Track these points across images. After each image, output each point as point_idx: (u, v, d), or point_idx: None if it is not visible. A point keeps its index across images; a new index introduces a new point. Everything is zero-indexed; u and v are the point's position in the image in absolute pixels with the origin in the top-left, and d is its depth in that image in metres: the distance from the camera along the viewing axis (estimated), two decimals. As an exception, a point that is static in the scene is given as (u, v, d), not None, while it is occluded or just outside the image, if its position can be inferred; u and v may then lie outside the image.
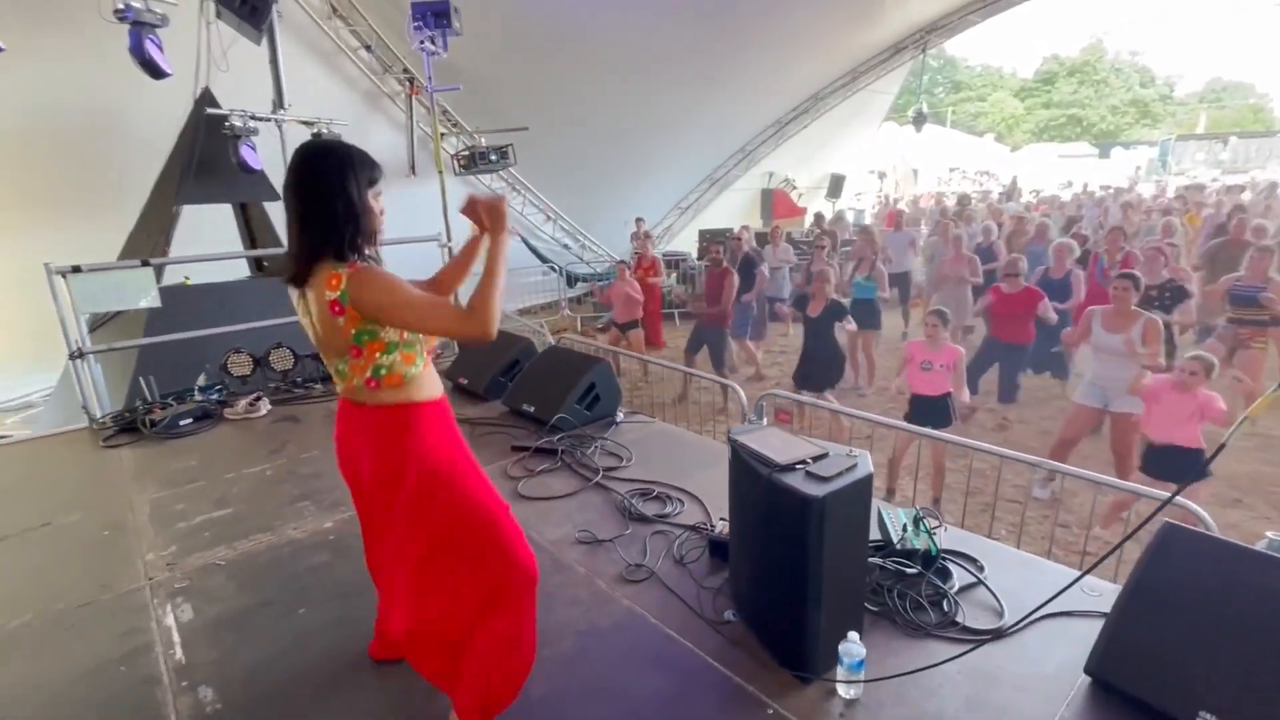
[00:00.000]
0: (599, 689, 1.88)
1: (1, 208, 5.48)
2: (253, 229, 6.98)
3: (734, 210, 15.21)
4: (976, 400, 5.98)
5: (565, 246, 12.23)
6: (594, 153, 11.12)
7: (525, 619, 1.73)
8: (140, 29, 4.54)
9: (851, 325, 5.56)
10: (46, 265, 3.83)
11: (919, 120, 13.95)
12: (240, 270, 6.99)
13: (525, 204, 11.40)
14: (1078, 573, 2.22)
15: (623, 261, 8.47)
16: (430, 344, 1.71)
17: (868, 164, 23.35)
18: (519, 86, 9.36)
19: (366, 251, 1.56)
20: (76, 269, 3.94)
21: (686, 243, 14.02)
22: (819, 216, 13.32)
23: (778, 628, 1.95)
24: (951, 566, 2.30)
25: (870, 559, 2.32)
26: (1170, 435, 3.55)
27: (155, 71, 4.69)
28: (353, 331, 1.52)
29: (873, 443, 4.32)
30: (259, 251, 6.66)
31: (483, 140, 9.32)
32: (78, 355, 4.06)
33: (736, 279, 6.61)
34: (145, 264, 4.27)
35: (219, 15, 5.46)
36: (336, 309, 1.49)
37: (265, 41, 6.14)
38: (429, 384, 1.66)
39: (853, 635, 1.78)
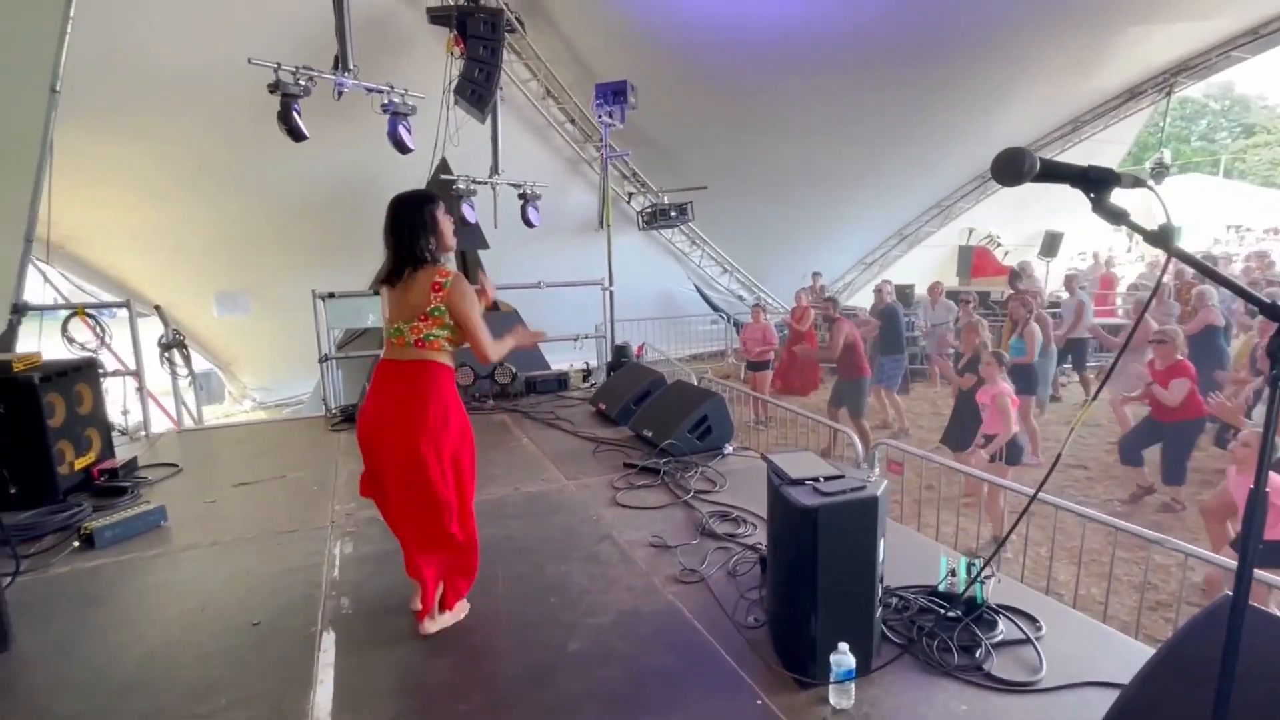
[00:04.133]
0: (619, 655, 2.18)
1: (293, 250, 7.36)
2: (467, 270, 8.45)
3: (926, 267, 14.50)
4: (1146, 475, 5.47)
5: (739, 298, 12.65)
6: (772, 208, 11.50)
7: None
8: (397, 118, 5.96)
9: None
10: (313, 291, 5.17)
11: (1159, 172, 12.31)
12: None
13: (703, 257, 12.08)
14: (1149, 650, 2.07)
15: (757, 303, 8.76)
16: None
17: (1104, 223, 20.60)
18: (701, 148, 10.15)
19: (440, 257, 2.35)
20: (331, 295, 5.25)
21: (865, 299, 13.69)
22: (1014, 273, 12.27)
23: (785, 632, 2.10)
24: (1001, 620, 2.23)
25: (908, 593, 2.35)
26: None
27: (403, 148, 6.10)
28: (430, 306, 2.24)
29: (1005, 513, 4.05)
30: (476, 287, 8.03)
31: (665, 198, 10.22)
32: (324, 360, 5.34)
33: (851, 329, 6.63)
34: (375, 292, 5.51)
35: (455, 103, 6.89)
36: (438, 290, 2.24)
37: (489, 121, 7.55)
38: (450, 360, 2.36)
39: (843, 646, 1.88)
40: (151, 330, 5.57)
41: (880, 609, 2.08)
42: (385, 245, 2.31)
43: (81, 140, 6.44)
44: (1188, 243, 22.27)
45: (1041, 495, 3.32)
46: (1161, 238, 0.91)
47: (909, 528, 3.67)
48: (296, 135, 5.37)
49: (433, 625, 2.33)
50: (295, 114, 5.30)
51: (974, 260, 15.12)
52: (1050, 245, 15.64)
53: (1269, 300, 0.91)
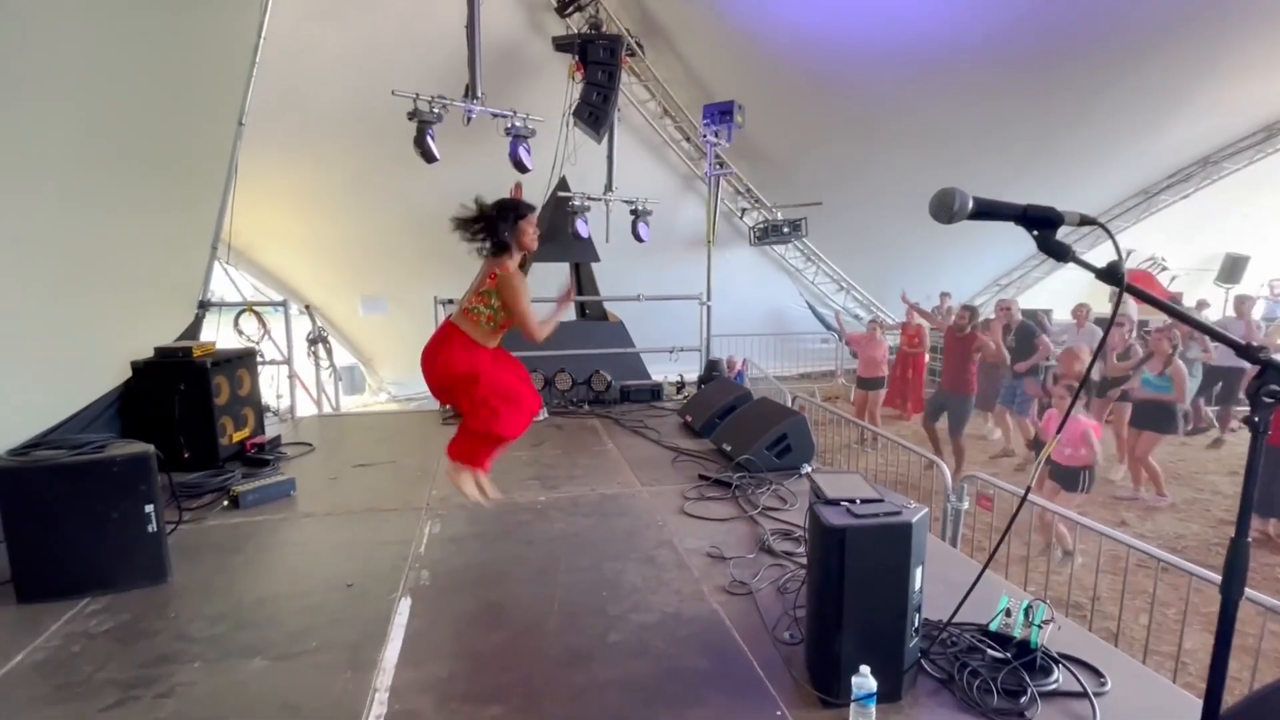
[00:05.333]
0: (654, 651, 2.29)
1: (425, 259, 8.10)
2: (581, 283, 8.88)
3: (1070, 291, 13.19)
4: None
5: (856, 317, 12.22)
6: (892, 224, 11.03)
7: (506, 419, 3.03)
8: (517, 140, 6.47)
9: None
10: (434, 296, 5.72)
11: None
12: (569, 314, 8.92)
13: (818, 273, 11.82)
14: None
15: (874, 319, 8.44)
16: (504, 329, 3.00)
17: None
18: (819, 162, 9.99)
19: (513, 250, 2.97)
20: (450, 300, 5.77)
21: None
22: (1175, 303, 10.90)
23: (815, 650, 2.11)
24: (1059, 669, 2.09)
25: (957, 628, 2.27)
26: None
27: (521, 168, 6.59)
28: (484, 288, 2.90)
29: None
30: (582, 298, 8.43)
31: (779, 214, 10.15)
32: (441, 359, 5.88)
33: (987, 342, 6.25)
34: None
35: (574, 125, 7.33)
36: (493, 278, 2.88)
37: (605, 141, 7.94)
38: (479, 334, 2.92)
39: (864, 669, 1.87)
40: (304, 327, 6.41)
41: (917, 638, 2.04)
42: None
43: (263, 164, 7.55)
44: None
45: (1166, 557, 3.03)
46: (1111, 274, 0.91)
47: (997, 574, 3.46)
48: (429, 157, 6.00)
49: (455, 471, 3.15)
50: (429, 139, 5.92)
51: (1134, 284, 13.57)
52: (1231, 270, 13.73)
53: (1244, 342, 0.88)
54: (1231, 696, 2.99)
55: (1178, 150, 11.40)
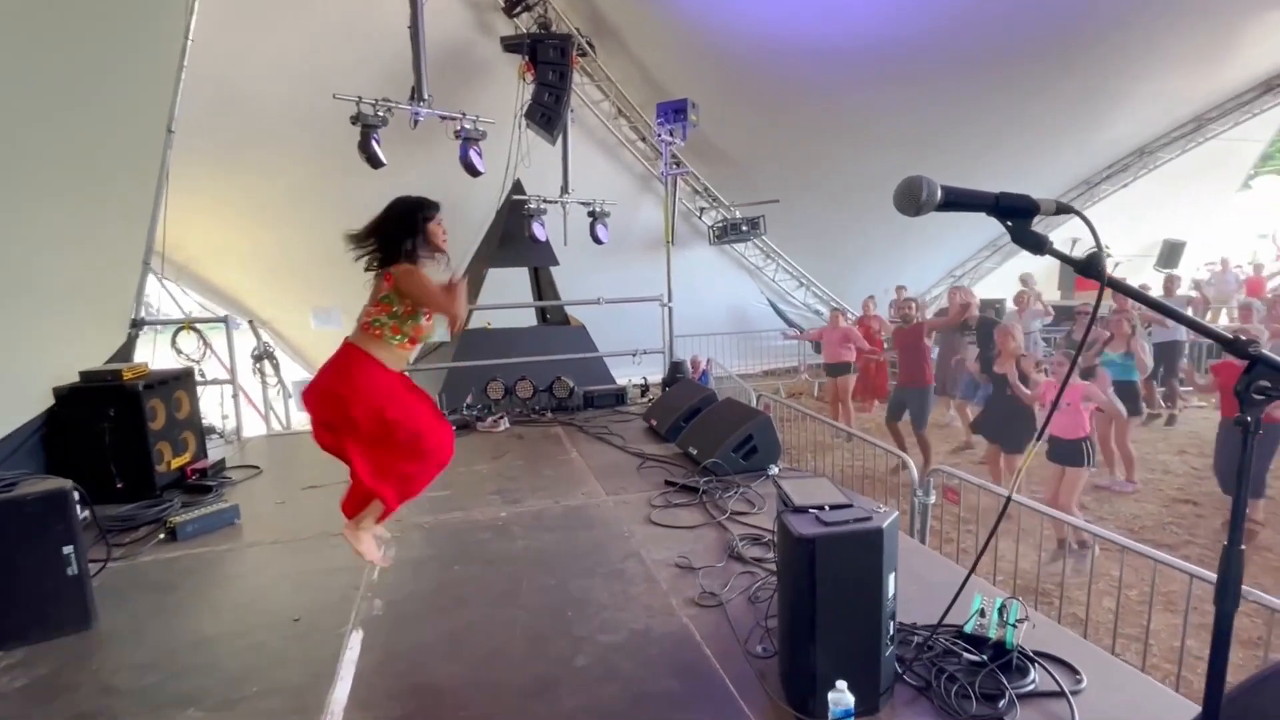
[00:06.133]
0: (623, 675, 2.18)
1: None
2: (541, 287, 8.72)
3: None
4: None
5: (817, 312, 12.31)
6: (851, 220, 11.15)
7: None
8: (468, 143, 6.29)
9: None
10: (386, 307, 5.50)
11: (1300, 171, 10.98)
12: (532, 319, 8.71)
13: (778, 270, 11.87)
14: (1198, 709, 1.87)
15: (835, 308, 8.54)
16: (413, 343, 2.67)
17: (1243, 228, 18.57)
18: (775, 160, 10.02)
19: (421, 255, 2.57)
20: (403, 310, 5.57)
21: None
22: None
23: (789, 665, 2.03)
24: (1035, 668, 2.05)
25: (930, 633, 2.21)
26: None
27: (473, 172, 6.42)
28: (382, 294, 2.51)
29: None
30: (542, 303, 8.27)
31: (737, 212, 10.15)
32: (396, 371, 5.67)
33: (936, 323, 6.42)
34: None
35: (527, 126, 7.18)
36: (389, 279, 2.49)
37: (559, 141, 7.80)
38: (382, 351, 2.53)
39: (841, 684, 1.80)
40: (250, 343, 6.12)
41: (893, 647, 1.98)
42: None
43: (203, 175, 7.21)
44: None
45: (1126, 542, 3.04)
46: (1091, 267, 0.84)
47: (963, 566, 3.45)
48: (375, 163, 5.79)
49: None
50: (374, 143, 5.71)
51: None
52: (1169, 256, 14.27)
53: (1231, 336, 0.81)
54: (1194, 676, 3.04)
55: (1115, 142, 11.79)
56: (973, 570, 1.77)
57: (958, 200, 0.86)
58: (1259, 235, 18.74)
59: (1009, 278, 13.66)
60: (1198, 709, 1.89)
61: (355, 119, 5.66)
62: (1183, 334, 7.85)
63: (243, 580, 3.01)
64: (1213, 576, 2.47)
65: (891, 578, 1.92)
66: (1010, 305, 11.35)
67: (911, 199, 0.84)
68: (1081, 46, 8.48)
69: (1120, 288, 0.91)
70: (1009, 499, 1.38)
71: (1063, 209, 0.91)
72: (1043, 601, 3.77)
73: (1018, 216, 0.85)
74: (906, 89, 8.94)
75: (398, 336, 2.54)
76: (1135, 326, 6.34)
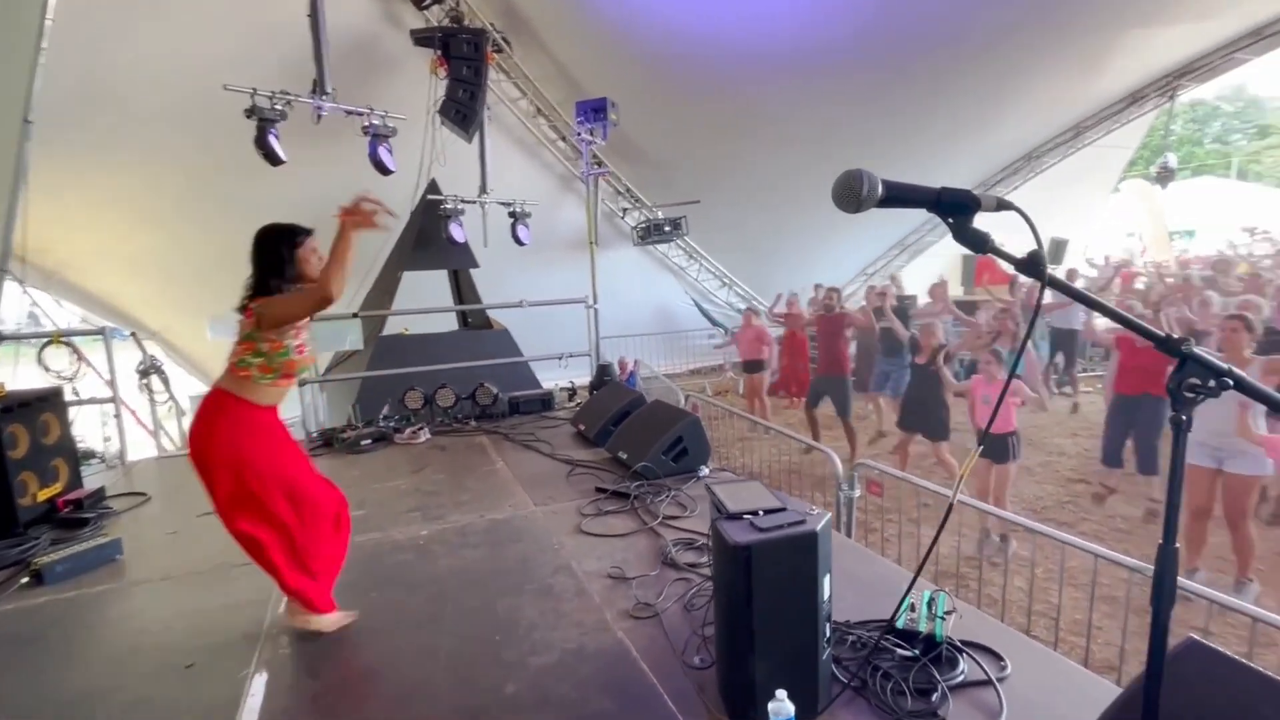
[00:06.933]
0: (556, 699, 2.07)
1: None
2: (460, 290, 8.41)
3: (928, 277, 14.27)
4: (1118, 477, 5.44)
5: (739, 311, 12.52)
6: (769, 220, 11.41)
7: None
8: (377, 140, 5.96)
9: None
10: (290, 314, 5.12)
11: (1164, 177, 12.14)
12: (452, 323, 8.39)
13: (701, 270, 11.99)
14: (1117, 687, 1.94)
15: (749, 307, 8.78)
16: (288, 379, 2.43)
17: (1117, 226, 20.37)
18: (695, 161, 10.10)
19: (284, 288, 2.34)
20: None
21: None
22: (1014, 282, 12.21)
23: (727, 676, 1.98)
24: (964, 658, 2.10)
25: (867, 633, 2.22)
26: None
27: (384, 170, 6.09)
28: (246, 331, 2.29)
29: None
30: (463, 307, 7.98)
31: (659, 213, 10.16)
32: (303, 383, 5.30)
33: (855, 316, 6.90)
34: (355, 316, 5.50)
35: (441, 124, 6.89)
36: (250, 315, 2.28)
37: (476, 140, 7.55)
38: (252, 394, 2.32)
39: (780, 694, 1.76)
40: (134, 356, 5.56)
41: (829, 648, 1.96)
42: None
43: (73, 171, 6.51)
44: (1201, 245, 21.97)
45: (1030, 523, 3.18)
46: (1033, 265, 0.81)
47: (888, 558, 3.54)
48: (273, 159, 5.38)
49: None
50: (272, 138, 5.31)
51: (977, 268, 14.94)
52: (1055, 252, 15.39)
53: (1164, 333, 0.80)
54: (1096, 645, 3.21)
55: (1006, 147, 12.62)
56: (917, 575, 1.78)
57: (898, 196, 0.82)
58: (1127, 234, 20.66)
59: (917, 275, 14.41)
60: (1114, 688, 1.99)
61: (250, 112, 5.24)
62: (1079, 323, 8.44)
63: (125, 625, 2.68)
64: (1108, 553, 2.61)
65: (826, 580, 1.91)
66: (922, 300, 11.97)
67: (851, 194, 0.78)
68: (976, 54, 9.00)
69: (1059, 286, 0.90)
70: (951, 505, 1.37)
71: (1003, 205, 0.89)
72: (960, 585, 3.94)
73: (959, 213, 0.82)
74: (816, 89, 9.20)
75: (268, 376, 2.32)
76: (1019, 323, 6.75)
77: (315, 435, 5.25)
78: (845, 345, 7.05)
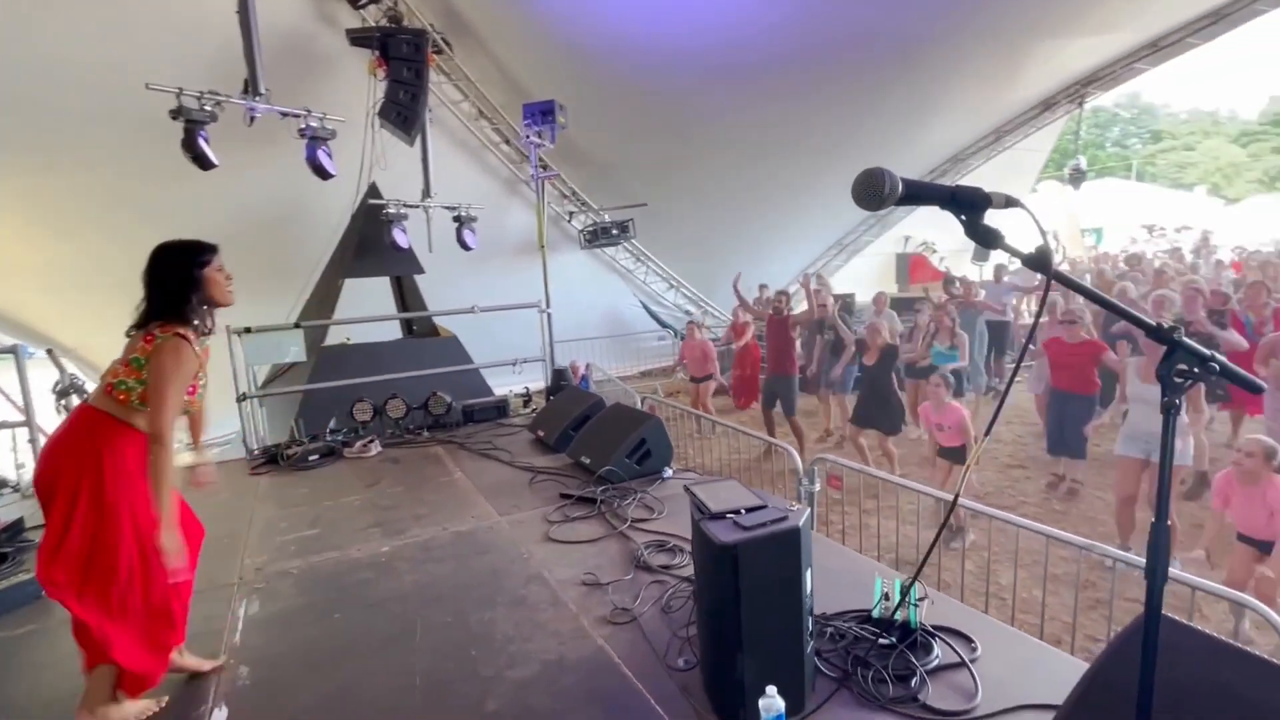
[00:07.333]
0: (539, 712, 2.03)
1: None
2: (405, 298, 8.16)
3: (865, 276, 14.83)
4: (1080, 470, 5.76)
5: (687, 313, 12.64)
6: (714, 223, 11.56)
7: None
8: (315, 142, 5.73)
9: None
10: (227, 327, 4.86)
11: (1076, 178, 12.95)
12: (397, 331, 8.12)
13: (648, 273, 12.04)
14: (1083, 664, 2.03)
15: (692, 320, 8.94)
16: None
17: (1031, 226, 21.60)
18: (641, 164, 10.13)
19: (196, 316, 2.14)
20: (248, 330, 4.95)
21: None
22: (948, 279, 12.82)
23: (714, 676, 1.99)
24: (937, 643, 2.17)
25: (844, 624, 2.27)
26: (1253, 531, 3.02)
27: (323, 174, 5.86)
28: (133, 355, 2.04)
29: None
30: (408, 314, 7.74)
31: (606, 216, 10.15)
32: (242, 399, 5.03)
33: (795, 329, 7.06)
34: (297, 326, 5.26)
35: (381, 126, 6.68)
36: (150, 340, 2.03)
37: (419, 142, 7.35)
38: (132, 419, 2.05)
39: (771, 690, 1.77)
40: (50, 376, 5.15)
41: (812, 642, 1.99)
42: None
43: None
44: (1107, 243, 23.59)
45: (981, 508, 3.31)
46: (1040, 261, 0.84)
47: (849, 547, 3.63)
48: (203, 163, 5.09)
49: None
50: (201, 141, 5.02)
51: (911, 267, 15.60)
52: (982, 250, 16.17)
53: (1155, 323, 0.84)
54: (1048, 624, 3.37)
55: (935, 148, 13.20)
56: (915, 578, 1.84)
57: (916, 194, 0.83)
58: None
59: (854, 274, 14.91)
60: (1078, 663, 2.09)
61: (176, 113, 4.93)
62: (1009, 315, 8.93)
63: (56, 669, 2.46)
64: (1057, 532, 2.74)
65: (808, 574, 1.94)
66: (859, 301, 12.40)
67: (874, 192, 0.80)
68: (906, 60, 9.38)
69: (1064, 280, 0.94)
70: (954, 503, 1.41)
71: (1011, 203, 0.92)
72: (909, 568, 4.09)
73: (972, 210, 0.84)
74: (754, 93, 9.36)
75: (147, 404, 2.04)
76: (955, 319, 7.06)
77: (257, 452, 4.99)
78: (793, 347, 7.23)
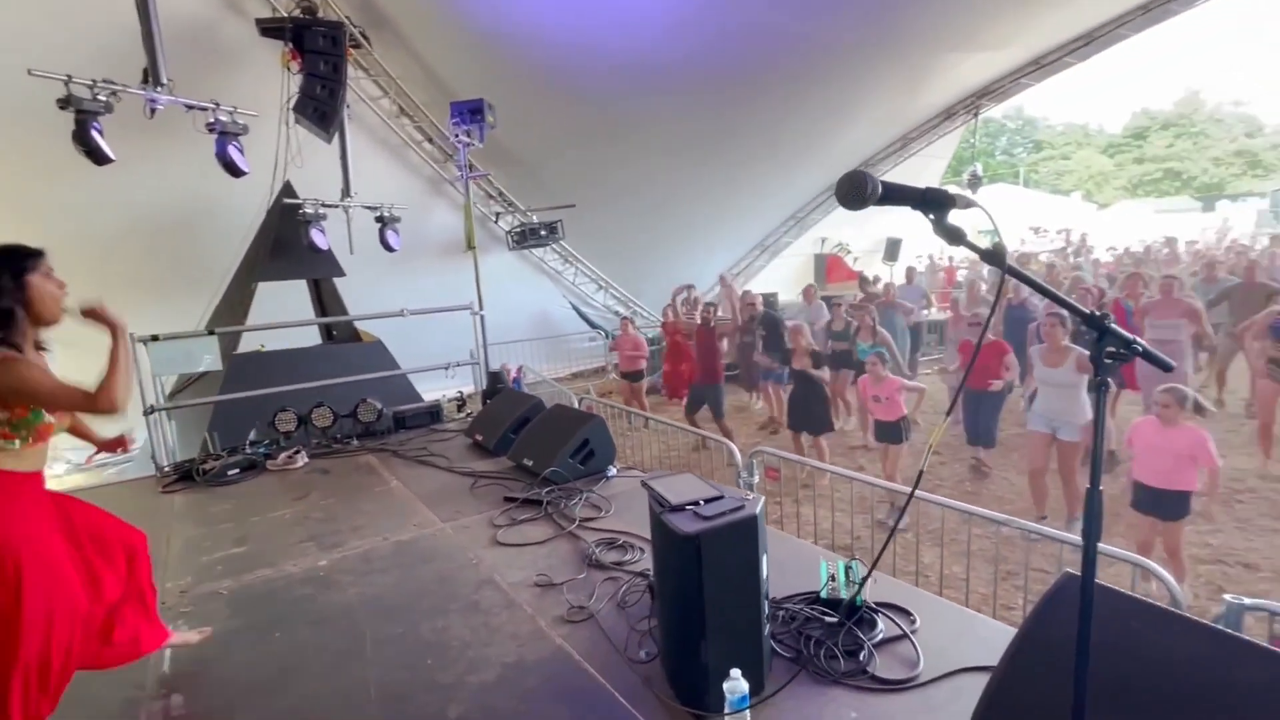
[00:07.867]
0: (504, 715, 2.02)
1: (111, 288, 6.41)
2: (324, 302, 7.79)
3: (785, 276, 15.38)
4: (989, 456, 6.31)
5: (616, 313, 12.71)
6: (641, 225, 11.69)
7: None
8: (225, 138, 5.39)
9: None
10: (130, 334, 4.49)
11: (974, 183, 13.92)
12: (314, 337, 7.75)
13: (577, 274, 12.03)
14: (1011, 630, 2.21)
15: (625, 316, 9.06)
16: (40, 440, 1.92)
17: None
18: (567, 165, 10.11)
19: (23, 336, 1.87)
20: (155, 337, 4.61)
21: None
22: (863, 278, 13.53)
23: (677, 664, 2.04)
24: (880, 618, 2.31)
25: (795, 606, 2.38)
26: (1163, 482, 3.40)
27: (235, 171, 5.52)
28: None
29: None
30: (328, 319, 7.40)
31: (534, 217, 10.06)
32: (150, 411, 4.68)
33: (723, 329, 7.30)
34: (211, 333, 4.94)
35: (296, 121, 6.36)
36: None
37: (337, 140, 7.04)
38: (20, 464, 1.87)
39: (734, 672, 1.84)
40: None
41: (768, 625, 2.08)
42: None
43: None
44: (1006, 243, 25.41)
45: (908, 490, 3.52)
46: (996, 255, 0.94)
47: (788, 534, 3.78)
48: (98, 158, 4.68)
49: None
50: (95, 133, 4.62)
51: (828, 267, 16.31)
52: (892, 250, 17.16)
53: (1090, 311, 0.95)
54: (970, 596, 3.61)
55: (848, 154, 13.87)
56: (873, 566, 1.95)
57: (891, 194, 0.91)
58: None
59: (776, 274, 15.44)
60: (1005, 628, 2.28)
61: (65, 103, 4.52)
62: (922, 314, 9.55)
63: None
64: (983, 511, 2.96)
65: (764, 560, 2.02)
66: (785, 299, 12.85)
67: (858, 193, 0.87)
68: (816, 73, 9.84)
69: (1016, 274, 1.04)
70: (918, 481, 1.51)
71: (969, 204, 1.01)
72: (859, 552, 4.31)
73: (939, 209, 0.93)
74: (678, 99, 9.54)
75: (9, 442, 1.82)
76: (874, 316, 7.46)
77: (169, 469, 4.65)
78: (719, 357, 7.32)
